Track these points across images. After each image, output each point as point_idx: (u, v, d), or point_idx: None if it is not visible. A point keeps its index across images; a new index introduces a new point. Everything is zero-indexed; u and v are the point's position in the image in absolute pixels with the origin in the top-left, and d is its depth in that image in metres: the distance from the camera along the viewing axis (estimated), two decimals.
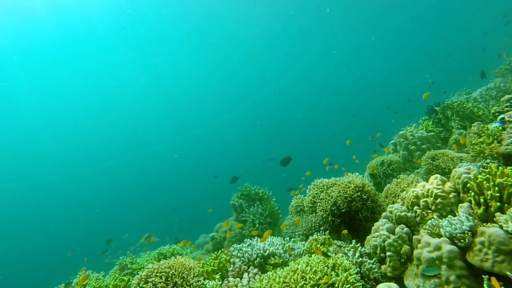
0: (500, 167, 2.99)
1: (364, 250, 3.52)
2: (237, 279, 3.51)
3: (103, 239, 10.79)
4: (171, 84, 36.83)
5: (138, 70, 32.82)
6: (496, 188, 2.80)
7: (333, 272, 2.85)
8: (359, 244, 3.60)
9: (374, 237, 3.48)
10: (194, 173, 34.90)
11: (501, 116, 3.44)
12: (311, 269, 2.85)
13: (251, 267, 3.60)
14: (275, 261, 3.58)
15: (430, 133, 6.46)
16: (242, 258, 3.75)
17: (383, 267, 3.33)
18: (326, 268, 2.90)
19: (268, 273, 3.26)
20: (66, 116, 34.94)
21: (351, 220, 4.39)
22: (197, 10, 25.79)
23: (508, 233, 2.45)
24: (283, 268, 3.19)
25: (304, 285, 2.70)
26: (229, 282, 3.47)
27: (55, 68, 29.08)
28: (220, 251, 4.11)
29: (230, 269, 3.68)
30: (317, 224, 4.58)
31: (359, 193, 4.20)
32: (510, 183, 2.76)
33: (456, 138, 6.25)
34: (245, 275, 3.46)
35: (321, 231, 4.40)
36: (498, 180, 2.84)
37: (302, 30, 30.25)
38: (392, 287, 2.94)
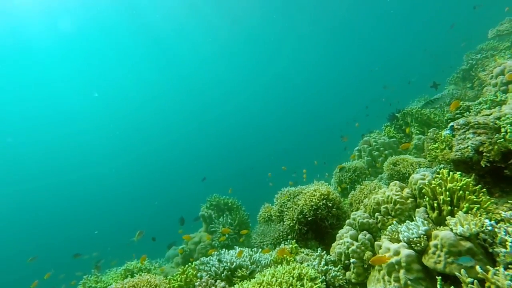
0: (451, 173, 3.16)
1: (330, 258, 3.58)
2: None
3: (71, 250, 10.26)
4: (132, 92, 36.18)
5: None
6: (447, 193, 2.96)
7: (298, 282, 2.88)
8: (324, 252, 3.67)
9: (338, 244, 3.56)
10: (164, 183, 34.15)
11: (451, 124, 3.65)
12: (276, 281, 2.86)
13: (218, 281, 3.56)
14: (242, 273, 3.56)
15: (392, 139, 6.73)
16: (209, 272, 3.70)
17: (347, 273, 3.40)
18: (291, 278, 2.92)
19: (235, 286, 3.24)
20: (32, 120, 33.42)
21: (317, 227, 4.47)
22: (162, 20, 25.62)
23: (457, 235, 2.58)
24: (250, 281, 3.18)
25: None
26: None
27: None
28: (187, 265, 4.04)
29: (197, 283, 3.62)
30: (285, 233, 4.63)
31: (324, 201, 4.29)
32: (458, 187, 2.93)
33: (416, 143, 6.54)
34: None
35: (288, 240, 4.44)
36: (449, 185, 3.00)
37: (269, 38, 30.83)
38: None
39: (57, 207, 32.08)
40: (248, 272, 3.60)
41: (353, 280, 3.31)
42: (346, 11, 28.50)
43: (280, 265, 3.43)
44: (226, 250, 4.13)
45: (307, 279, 2.93)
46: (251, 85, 40.24)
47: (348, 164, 6.33)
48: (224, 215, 7.34)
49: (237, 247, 4.29)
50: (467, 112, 4.81)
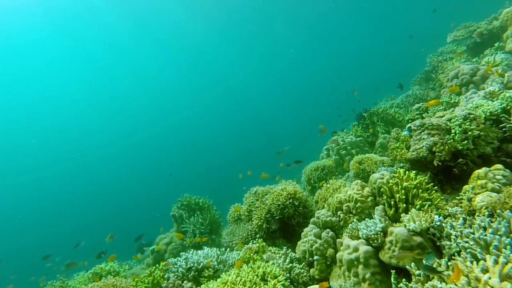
0: (407, 172, 3.35)
1: (295, 256, 3.69)
2: None
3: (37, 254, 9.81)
4: (110, 92, 35.20)
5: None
6: (403, 191, 3.14)
7: (262, 281, 2.96)
8: (289, 250, 3.78)
9: (303, 242, 3.67)
10: (136, 183, 33.42)
11: (409, 125, 3.86)
12: (240, 280, 2.93)
13: (185, 282, 3.59)
14: (209, 273, 3.61)
15: (358, 138, 6.97)
16: (176, 273, 3.72)
17: (311, 270, 3.53)
18: (255, 277, 3.00)
19: (201, 286, 3.28)
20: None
21: (285, 226, 4.58)
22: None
23: (409, 231, 2.75)
24: (215, 280, 3.23)
25: None
26: None
27: None
28: (154, 267, 4.03)
29: (164, 285, 3.62)
30: (253, 232, 4.71)
31: (291, 200, 4.40)
32: (413, 186, 3.11)
33: (381, 142, 6.81)
34: None
35: (257, 239, 4.52)
36: (405, 184, 3.18)
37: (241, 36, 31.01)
38: None
39: (23, 207, 30.67)
40: (214, 272, 3.65)
41: (316, 277, 3.44)
42: (320, 15, 29.11)
43: (246, 264, 3.50)
44: (194, 251, 4.16)
45: (270, 277, 3.02)
46: (226, 85, 40.16)
47: (317, 162, 6.50)
48: (195, 215, 7.33)
49: (206, 247, 4.32)
50: (426, 113, 5.08)
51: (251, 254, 3.83)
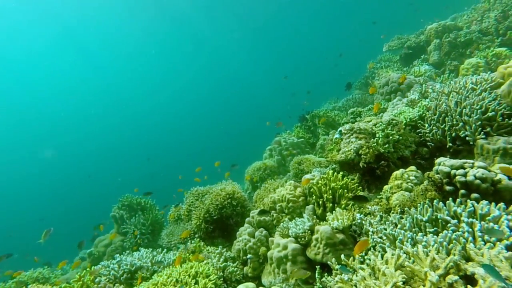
0: (335, 173, 3.56)
1: (230, 255, 3.75)
2: None
3: None
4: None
5: None
6: (330, 191, 3.34)
7: (193, 280, 2.97)
8: (225, 249, 3.83)
9: (238, 241, 3.75)
10: (78, 184, 31.42)
11: (340, 128, 4.11)
12: (171, 280, 2.91)
13: (116, 285, 3.48)
14: (143, 275, 3.54)
15: (300, 139, 7.24)
16: (108, 276, 3.59)
17: (245, 268, 3.61)
18: (187, 277, 3.00)
19: None
20: None
21: (224, 225, 4.63)
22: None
23: (333, 228, 2.94)
24: (147, 282, 3.18)
25: None
26: None
27: None
28: (84, 271, 3.85)
29: None
30: (193, 232, 4.69)
31: (229, 200, 4.45)
32: (339, 186, 3.32)
33: (321, 143, 7.13)
34: None
35: (195, 239, 4.51)
36: (332, 184, 3.38)
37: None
38: (249, 287, 3.22)
39: None
40: (149, 274, 3.59)
41: (249, 274, 3.53)
42: (270, 19, 29.70)
43: (181, 265, 3.49)
44: (130, 253, 4.05)
45: (202, 277, 3.04)
46: (171, 86, 39.48)
47: (259, 162, 6.63)
48: (137, 215, 7.11)
49: (142, 249, 4.22)
50: (359, 117, 5.43)
51: (187, 254, 3.82)
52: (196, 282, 2.95)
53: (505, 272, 1.62)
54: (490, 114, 3.34)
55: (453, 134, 3.58)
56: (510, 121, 3.27)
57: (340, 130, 4.07)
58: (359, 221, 3.00)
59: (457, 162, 2.81)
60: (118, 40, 30.73)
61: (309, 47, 37.87)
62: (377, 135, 3.74)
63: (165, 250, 4.19)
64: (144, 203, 7.45)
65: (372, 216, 3.04)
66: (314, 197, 3.46)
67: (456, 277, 1.67)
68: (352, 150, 3.74)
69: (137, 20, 27.73)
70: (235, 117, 38.35)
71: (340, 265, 2.55)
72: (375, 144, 3.65)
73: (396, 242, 2.38)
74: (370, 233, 2.84)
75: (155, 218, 7.13)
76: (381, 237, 2.66)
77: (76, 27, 26.74)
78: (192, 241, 4.40)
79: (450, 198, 2.52)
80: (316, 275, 2.83)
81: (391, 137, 3.68)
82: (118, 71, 35.55)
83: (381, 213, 3.09)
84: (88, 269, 3.84)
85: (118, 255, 3.97)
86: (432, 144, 3.87)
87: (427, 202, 2.72)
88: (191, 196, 5.10)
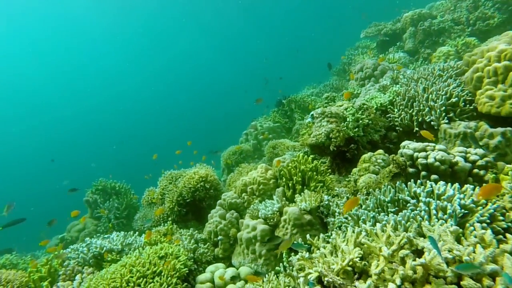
0: (305, 156, 3.61)
1: (201, 236, 3.78)
2: (68, 282, 3.32)
3: None
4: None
5: None
6: (300, 174, 3.39)
7: (162, 261, 2.98)
8: (196, 231, 3.85)
9: (209, 223, 3.77)
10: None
11: (312, 112, 4.15)
12: (140, 262, 2.91)
13: (85, 267, 3.45)
14: (112, 257, 3.51)
15: (276, 124, 7.27)
16: (77, 259, 3.55)
17: (216, 250, 3.65)
18: (156, 258, 3.00)
19: (102, 271, 3.18)
20: None
21: (197, 208, 4.64)
22: None
23: (301, 210, 3.00)
24: (116, 263, 3.16)
25: (130, 278, 2.74)
26: (57, 287, 3.25)
27: None
28: (52, 255, 3.78)
29: (62, 272, 3.44)
30: (165, 215, 4.68)
31: (202, 183, 4.45)
32: (308, 169, 3.38)
33: (297, 128, 7.19)
34: (78, 276, 3.29)
35: (169, 222, 4.51)
36: (302, 167, 3.43)
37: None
38: (219, 267, 3.26)
39: None
40: (119, 256, 3.57)
41: (220, 256, 3.57)
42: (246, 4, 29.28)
43: (151, 246, 3.48)
44: (101, 236, 4.01)
45: (172, 258, 3.05)
46: (143, 70, 38.56)
47: (234, 147, 6.64)
48: (111, 200, 7.01)
49: (115, 232, 4.18)
50: (333, 102, 5.49)
51: (158, 237, 3.82)
52: (165, 263, 2.96)
53: (449, 244, 1.71)
54: (453, 100, 3.45)
55: (420, 119, 3.69)
56: (471, 107, 3.40)
57: (312, 114, 4.11)
58: (326, 202, 3.07)
59: (419, 145, 2.91)
60: (86, 25, 29.52)
61: (289, 31, 37.67)
62: (347, 119, 3.80)
63: (136, 233, 4.17)
64: (119, 188, 7.34)
65: (339, 198, 3.12)
66: (284, 180, 3.50)
67: (407, 251, 1.76)
68: (323, 133, 3.79)
69: (106, 5, 26.74)
70: (213, 104, 38.03)
71: (306, 245, 2.62)
72: (345, 128, 3.71)
73: (360, 222, 2.46)
74: (336, 214, 2.92)
75: (129, 202, 7.06)
76: (346, 218, 2.74)
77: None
78: (165, 224, 4.39)
79: (412, 180, 2.61)
80: (284, 255, 2.90)
81: (361, 121, 3.75)
82: (92, 55, 34.33)
83: (348, 195, 3.17)
84: (56, 252, 3.78)
85: (88, 238, 3.92)
86: (401, 129, 3.97)
87: (390, 183, 2.81)
88: (165, 180, 5.07)
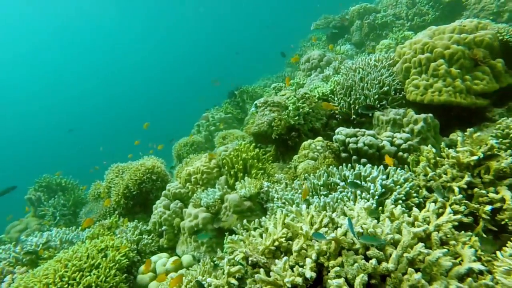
0: (247, 144, 3.69)
1: (146, 228, 3.75)
2: None
3: None
4: None
5: None
6: (241, 162, 3.46)
7: (100, 254, 2.93)
8: (140, 223, 3.81)
9: (154, 214, 3.75)
10: None
11: (255, 102, 4.23)
12: (76, 256, 2.84)
13: (17, 267, 3.30)
14: (50, 254, 3.39)
15: (228, 115, 7.30)
16: (8, 259, 3.38)
17: (161, 240, 3.64)
18: (95, 251, 2.95)
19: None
20: None
21: (144, 201, 4.57)
22: None
23: (241, 197, 3.08)
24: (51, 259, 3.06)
25: (65, 273, 2.67)
26: None
27: None
28: None
29: None
30: (112, 209, 4.57)
31: (149, 175, 4.39)
32: (250, 157, 3.46)
33: (248, 119, 7.27)
34: (7, 277, 3.14)
35: (115, 215, 4.41)
36: (243, 155, 3.50)
37: None
38: (162, 257, 3.27)
39: None
40: (56, 252, 3.45)
41: (165, 246, 3.57)
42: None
43: (91, 240, 3.41)
44: (37, 233, 3.84)
45: (112, 250, 3.01)
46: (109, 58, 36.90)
47: (186, 138, 6.59)
48: (56, 196, 6.68)
49: (54, 229, 4.02)
50: (280, 92, 5.61)
51: (102, 231, 3.74)
52: (105, 256, 2.92)
53: (362, 220, 1.86)
54: (385, 88, 3.68)
55: (357, 107, 3.89)
56: (401, 95, 3.65)
57: (256, 104, 4.19)
58: (266, 189, 3.17)
59: (351, 131, 3.08)
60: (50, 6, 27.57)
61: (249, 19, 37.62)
62: (288, 108, 3.92)
63: (79, 228, 4.04)
64: (65, 183, 7.01)
65: (279, 184, 3.23)
66: (226, 168, 3.56)
67: (326, 229, 1.88)
68: (265, 122, 3.88)
69: None
70: (168, 93, 37.20)
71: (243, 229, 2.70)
72: (286, 116, 3.83)
73: (293, 205, 2.58)
74: (275, 199, 3.02)
75: (77, 198, 6.78)
76: (283, 202, 2.85)
77: None
78: (109, 218, 4.30)
79: (344, 164, 2.77)
80: (224, 241, 2.97)
81: (301, 110, 3.89)
82: (43, 39, 32.05)
83: (286, 181, 3.29)
84: None
85: (24, 237, 3.75)
86: (340, 117, 4.17)
87: (324, 168, 2.96)
88: (111, 173, 4.93)
